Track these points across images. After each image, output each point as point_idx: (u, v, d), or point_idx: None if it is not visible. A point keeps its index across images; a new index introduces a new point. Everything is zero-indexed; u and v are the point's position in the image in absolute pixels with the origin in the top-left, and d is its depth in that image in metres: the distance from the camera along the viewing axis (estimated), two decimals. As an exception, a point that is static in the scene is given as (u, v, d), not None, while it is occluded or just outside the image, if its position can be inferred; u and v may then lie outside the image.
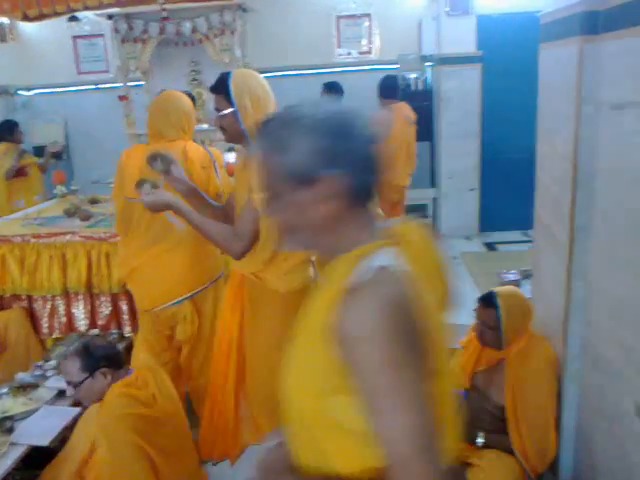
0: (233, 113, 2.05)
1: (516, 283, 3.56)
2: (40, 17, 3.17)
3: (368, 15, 6.45)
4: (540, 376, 2.13)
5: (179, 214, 2.17)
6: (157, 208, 2.16)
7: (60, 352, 3.04)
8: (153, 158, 2.23)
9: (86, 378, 2.19)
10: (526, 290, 3.26)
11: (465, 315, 3.41)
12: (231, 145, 4.73)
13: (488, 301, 2.21)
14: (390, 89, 4.81)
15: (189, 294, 2.62)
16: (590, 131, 1.94)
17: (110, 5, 3.33)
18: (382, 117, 4.58)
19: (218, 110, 2.09)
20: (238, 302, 2.34)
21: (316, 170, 0.98)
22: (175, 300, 2.58)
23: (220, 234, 2.11)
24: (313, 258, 2.27)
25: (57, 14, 3.21)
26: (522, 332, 2.20)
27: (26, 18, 3.17)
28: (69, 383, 2.24)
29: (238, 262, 2.20)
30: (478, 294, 2.62)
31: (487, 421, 2.23)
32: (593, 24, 1.88)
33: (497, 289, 2.26)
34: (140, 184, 2.24)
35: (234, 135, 2.11)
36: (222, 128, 2.12)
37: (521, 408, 2.10)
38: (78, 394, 2.25)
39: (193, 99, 2.64)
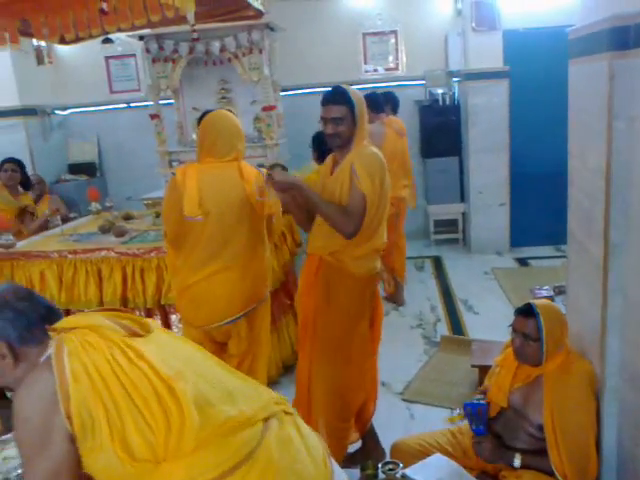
0: (353, 123, 2.42)
1: (549, 299, 3.52)
2: (76, 40, 3.27)
3: (394, 32, 6.51)
4: (579, 393, 2.10)
5: (302, 194, 2.45)
6: (284, 186, 2.43)
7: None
8: (274, 167, 2.55)
9: None
10: (559, 306, 3.22)
11: (499, 332, 3.40)
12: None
13: (527, 311, 2.18)
14: (377, 105, 4.84)
15: (245, 311, 2.65)
16: (622, 146, 1.93)
17: (142, 27, 3.43)
18: (374, 131, 4.57)
19: (338, 119, 2.41)
20: (313, 287, 2.55)
21: None
22: (231, 318, 2.61)
23: (337, 214, 2.40)
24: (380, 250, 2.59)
25: (92, 37, 3.30)
26: (560, 346, 2.16)
27: (63, 41, 3.26)
28: None
29: (319, 243, 2.53)
30: (511, 310, 2.60)
31: (524, 440, 2.20)
32: (624, 39, 1.87)
33: (533, 301, 2.24)
34: (273, 167, 2.52)
35: (346, 141, 2.46)
36: (337, 135, 2.44)
37: (560, 426, 2.06)
38: None
39: (236, 118, 2.71)
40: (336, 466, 1.57)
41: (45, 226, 4.42)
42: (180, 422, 1.30)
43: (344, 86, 2.48)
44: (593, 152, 2.11)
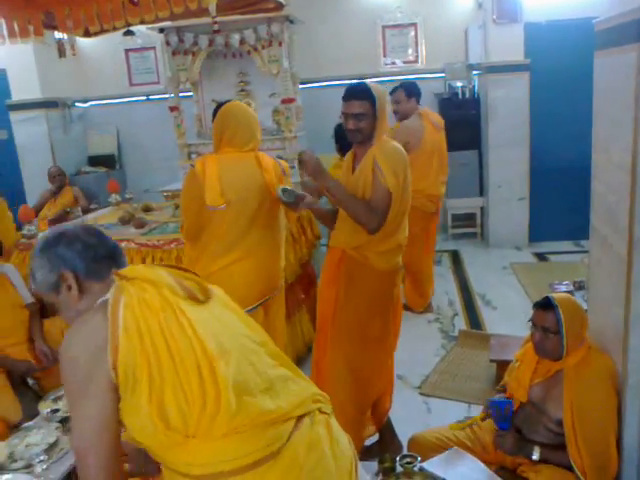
0: (374, 119, 2.41)
1: (569, 294, 3.49)
2: (100, 32, 3.29)
3: (414, 24, 6.46)
4: (600, 389, 2.08)
5: (328, 184, 2.45)
6: (314, 167, 2.44)
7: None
8: (304, 152, 2.57)
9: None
10: (579, 302, 3.19)
11: (518, 327, 3.38)
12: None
13: (546, 305, 2.17)
14: (420, 93, 4.50)
15: (262, 300, 2.66)
16: (649, 140, 1.90)
17: (164, 19, 3.44)
18: (411, 125, 4.35)
19: (360, 115, 2.41)
20: (335, 279, 2.56)
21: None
22: (249, 307, 2.61)
23: (363, 208, 2.40)
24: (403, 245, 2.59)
25: (116, 29, 3.32)
26: (580, 340, 2.15)
27: (86, 34, 3.29)
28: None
29: (342, 237, 2.54)
30: (529, 305, 2.59)
31: (544, 435, 2.19)
32: (654, 30, 1.84)
33: (552, 294, 2.22)
34: (303, 152, 2.56)
35: (366, 136, 2.46)
36: (358, 130, 2.44)
37: (580, 422, 2.05)
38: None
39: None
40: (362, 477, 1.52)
41: (65, 217, 4.47)
42: (215, 406, 1.28)
43: (372, 84, 2.47)
44: (618, 146, 2.08)
